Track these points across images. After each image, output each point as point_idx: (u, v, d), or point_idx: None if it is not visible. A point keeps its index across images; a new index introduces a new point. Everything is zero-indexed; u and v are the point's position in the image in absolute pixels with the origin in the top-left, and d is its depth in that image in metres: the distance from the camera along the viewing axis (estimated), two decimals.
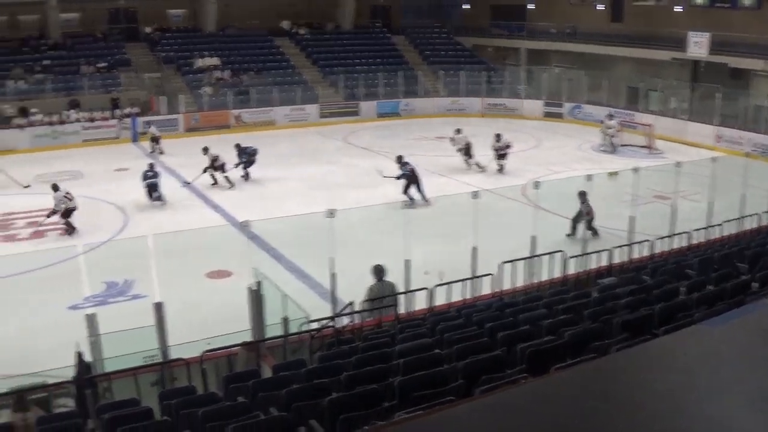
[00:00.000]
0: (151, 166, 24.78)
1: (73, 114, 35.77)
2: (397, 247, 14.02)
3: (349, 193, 21.75)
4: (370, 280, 12.99)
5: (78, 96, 37.16)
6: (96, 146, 31.38)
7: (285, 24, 45.79)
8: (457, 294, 13.22)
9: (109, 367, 10.96)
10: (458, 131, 28.49)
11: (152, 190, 23.93)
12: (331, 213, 12.88)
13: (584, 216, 18.36)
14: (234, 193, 24.64)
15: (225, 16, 44.06)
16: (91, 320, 11.23)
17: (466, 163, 27.86)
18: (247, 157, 26.68)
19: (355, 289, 13.15)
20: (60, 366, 10.83)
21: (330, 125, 38.32)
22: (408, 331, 10.57)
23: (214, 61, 41.11)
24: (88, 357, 10.82)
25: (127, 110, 36.53)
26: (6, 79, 37.00)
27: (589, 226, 18.15)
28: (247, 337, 11.64)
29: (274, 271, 15.20)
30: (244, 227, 16.41)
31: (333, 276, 13.34)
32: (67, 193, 21.10)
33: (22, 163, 30.31)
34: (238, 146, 27.05)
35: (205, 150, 26.65)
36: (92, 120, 35.64)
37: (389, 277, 13.15)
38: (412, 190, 22.61)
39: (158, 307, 11.56)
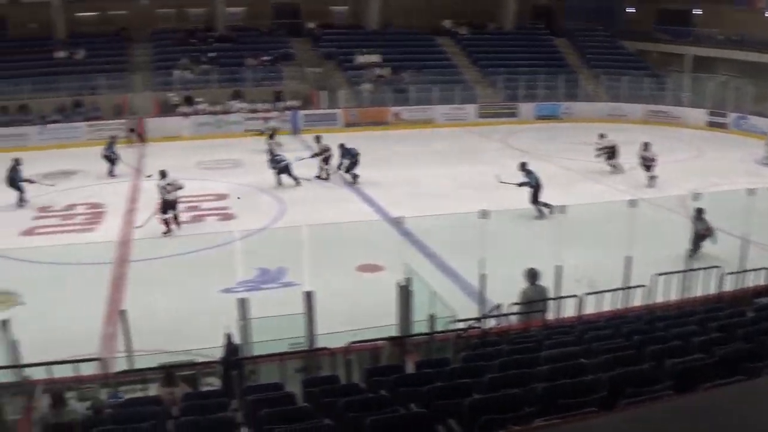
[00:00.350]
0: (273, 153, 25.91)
1: (236, 104, 36.95)
2: (549, 251, 13.79)
3: (504, 195, 21.52)
4: (520, 283, 12.82)
5: (241, 88, 38.33)
6: (258, 137, 32.15)
7: (446, 23, 45.83)
8: (608, 304, 12.91)
9: (257, 351, 11.23)
10: (602, 136, 27.88)
11: (283, 172, 25.30)
12: (485, 214, 12.78)
13: (702, 234, 17.50)
14: (388, 190, 24.76)
15: (387, 13, 44.48)
16: (243, 304, 11.51)
17: (609, 166, 27.28)
18: (350, 158, 26.29)
19: (503, 291, 13.02)
20: (209, 346, 11.18)
21: (488, 125, 38.08)
22: (555, 337, 10.39)
23: (375, 58, 41.53)
24: (237, 339, 11.11)
25: (288, 103, 37.43)
26: (173, 69, 38.55)
27: (697, 245, 17.37)
28: (393, 332, 11.70)
29: (424, 269, 15.20)
30: (397, 223, 16.51)
31: (482, 277, 13.23)
32: (168, 184, 20.71)
33: (185, 150, 31.56)
34: (342, 146, 26.56)
35: (318, 138, 27.31)
36: (254, 111, 36.69)
37: (540, 282, 12.97)
38: (539, 199, 21.98)
39: (308, 296, 11.74)
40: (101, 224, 22.04)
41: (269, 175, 25.61)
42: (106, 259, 18.23)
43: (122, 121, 35.05)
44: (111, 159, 28.14)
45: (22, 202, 23.84)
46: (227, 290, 15.30)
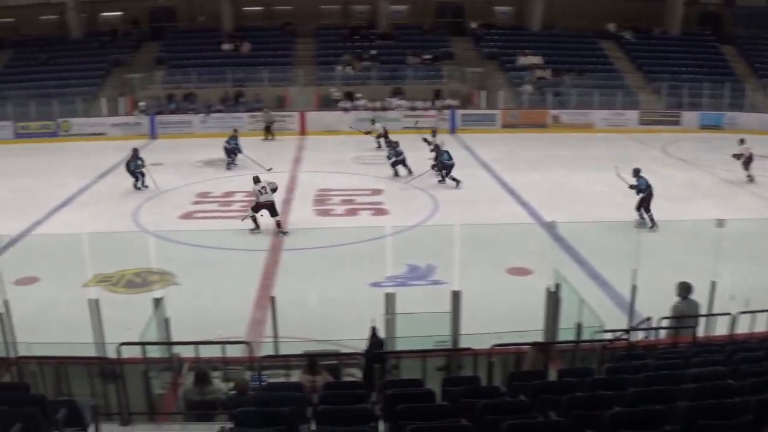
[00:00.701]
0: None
1: (395, 101, 37.23)
2: (705, 266, 13.25)
3: (661, 205, 20.80)
4: (672, 297, 12.37)
5: (401, 85, 38.59)
6: (414, 134, 32.25)
7: (611, 26, 44.70)
8: (762, 324, 12.27)
9: (400, 346, 11.22)
10: (742, 141, 26.57)
11: (400, 164, 26.40)
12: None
13: None
14: (543, 193, 24.34)
15: (550, 15, 43.78)
16: (390, 299, 11.52)
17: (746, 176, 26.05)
18: (441, 163, 25.58)
19: (653, 304, 12.59)
20: (354, 338, 11.29)
21: (648, 132, 36.93)
22: (704, 355, 9.97)
23: (537, 59, 41.02)
24: (381, 333, 11.14)
25: (447, 102, 37.44)
26: (335, 65, 39.18)
27: None
28: (539, 338, 11.49)
29: (574, 275, 14.86)
30: (550, 227, 16.26)
31: (634, 288, 12.82)
32: (263, 187, 20.33)
33: (343, 144, 32.08)
34: (437, 148, 26.07)
35: (434, 132, 27.85)
36: (413, 109, 36.89)
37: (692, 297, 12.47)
38: (646, 207, 21.00)
39: (456, 296, 11.64)
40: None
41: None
42: (260, 246, 18.71)
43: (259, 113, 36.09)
44: (229, 151, 28.79)
45: (138, 187, 25.20)
46: (376, 284, 15.42)
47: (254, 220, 20.27)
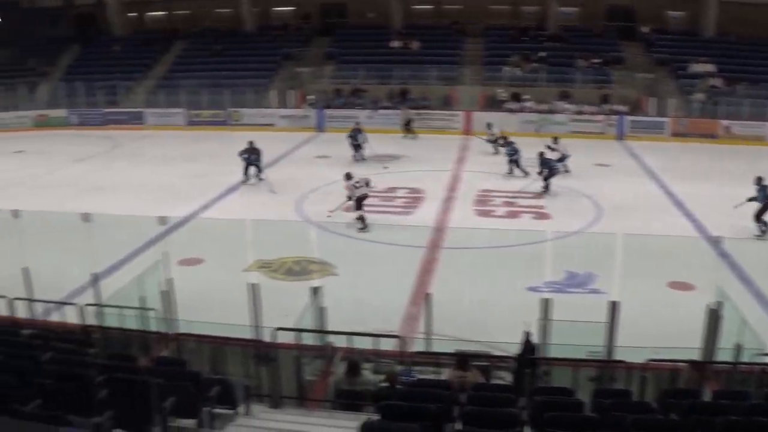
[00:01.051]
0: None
1: (562, 104, 36.82)
2: None
3: None
4: None
5: (569, 88, 38.12)
6: (581, 138, 31.95)
7: None
8: None
9: (553, 353, 11.16)
10: None
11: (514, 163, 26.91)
12: None
13: None
14: (709, 206, 23.41)
15: (725, 21, 42.08)
16: (546, 305, 11.47)
17: None
18: (548, 169, 24.83)
19: None
20: (506, 341, 11.26)
21: None
22: None
23: (710, 67, 39.53)
24: (535, 339, 11.12)
25: (615, 107, 36.74)
26: (503, 65, 39.06)
27: None
28: (695, 356, 11.21)
29: (738, 294, 14.35)
30: (715, 242, 15.77)
31: None
32: (357, 181, 21.00)
33: None
34: (541, 155, 25.16)
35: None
36: (580, 113, 36.38)
37: None
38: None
39: (614, 306, 11.48)
40: (419, 209, 22.87)
41: (589, 177, 25.32)
42: (420, 242, 18.90)
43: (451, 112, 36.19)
44: (354, 146, 29.50)
45: (247, 179, 25.96)
46: (532, 288, 15.34)
47: (362, 219, 20.64)
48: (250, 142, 26.11)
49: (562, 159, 26.66)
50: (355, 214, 20.73)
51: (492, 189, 25.08)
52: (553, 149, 26.80)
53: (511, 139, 28.38)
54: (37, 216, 19.05)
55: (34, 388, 8.25)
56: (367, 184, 21.19)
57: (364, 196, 20.93)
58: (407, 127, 35.56)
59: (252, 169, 25.92)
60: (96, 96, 41.08)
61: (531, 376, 10.21)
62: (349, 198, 20.89)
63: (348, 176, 21.20)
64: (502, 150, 28.50)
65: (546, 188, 24.54)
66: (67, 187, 26.20)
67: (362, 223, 20.50)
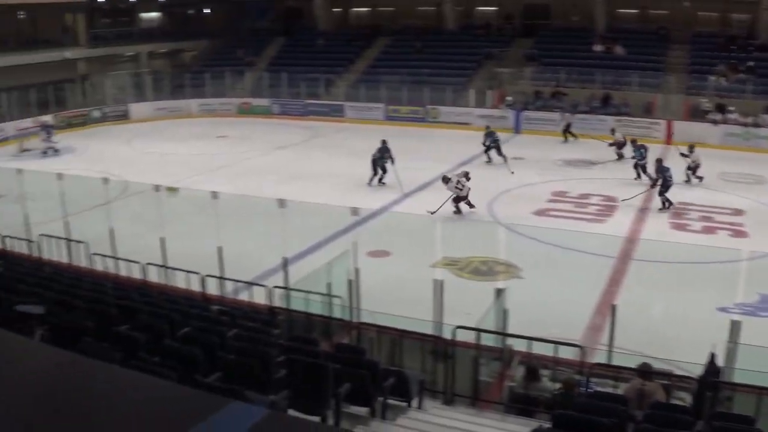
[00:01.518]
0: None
1: None
2: None
3: None
4: None
5: None
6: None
7: None
8: None
9: (738, 378, 10.79)
10: None
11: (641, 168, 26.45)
12: None
13: None
14: None
15: None
16: (736, 327, 11.11)
17: None
18: (662, 179, 23.25)
19: None
20: (690, 361, 10.97)
21: None
22: None
23: None
24: (720, 361, 10.79)
25: None
26: (709, 75, 37.63)
27: None
28: None
29: None
30: None
31: None
32: (458, 181, 21.77)
33: (709, 158, 30.69)
34: (659, 161, 23.71)
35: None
36: None
37: None
38: None
39: None
40: (611, 218, 22.52)
41: None
42: (610, 252, 18.58)
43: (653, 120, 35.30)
44: (487, 147, 29.31)
45: (374, 182, 25.96)
46: (723, 309, 14.81)
47: (458, 210, 21.71)
48: (384, 141, 26.43)
49: (694, 168, 26.05)
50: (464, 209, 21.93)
51: (690, 202, 24.11)
52: (685, 156, 26.12)
53: (641, 143, 27.55)
54: (235, 199, 20.05)
55: (218, 362, 8.70)
56: (466, 176, 22.16)
57: (463, 197, 21.91)
58: (568, 131, 35.15)
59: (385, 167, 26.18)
60: (298, 87, 42.76)
61: (712, 399, 9.90)
62: (459, 198, 21.87)
63: (445, 179, 22.08)
64: (627, 155, 28.34)
65: (666, 204, 23.36)
66: (267, 173, 27.38)
67: (459, 212, 21.85)
